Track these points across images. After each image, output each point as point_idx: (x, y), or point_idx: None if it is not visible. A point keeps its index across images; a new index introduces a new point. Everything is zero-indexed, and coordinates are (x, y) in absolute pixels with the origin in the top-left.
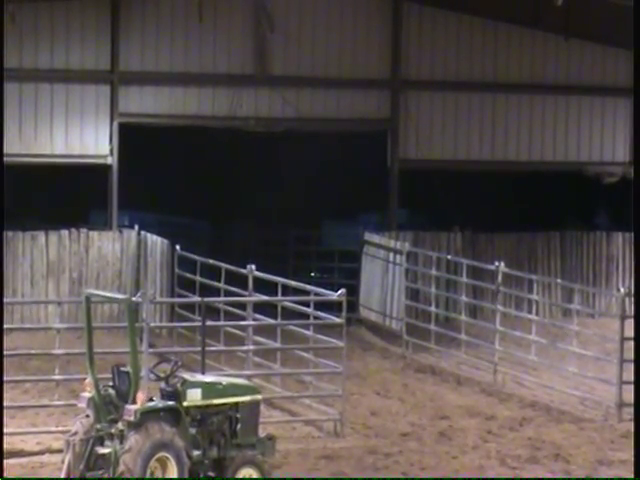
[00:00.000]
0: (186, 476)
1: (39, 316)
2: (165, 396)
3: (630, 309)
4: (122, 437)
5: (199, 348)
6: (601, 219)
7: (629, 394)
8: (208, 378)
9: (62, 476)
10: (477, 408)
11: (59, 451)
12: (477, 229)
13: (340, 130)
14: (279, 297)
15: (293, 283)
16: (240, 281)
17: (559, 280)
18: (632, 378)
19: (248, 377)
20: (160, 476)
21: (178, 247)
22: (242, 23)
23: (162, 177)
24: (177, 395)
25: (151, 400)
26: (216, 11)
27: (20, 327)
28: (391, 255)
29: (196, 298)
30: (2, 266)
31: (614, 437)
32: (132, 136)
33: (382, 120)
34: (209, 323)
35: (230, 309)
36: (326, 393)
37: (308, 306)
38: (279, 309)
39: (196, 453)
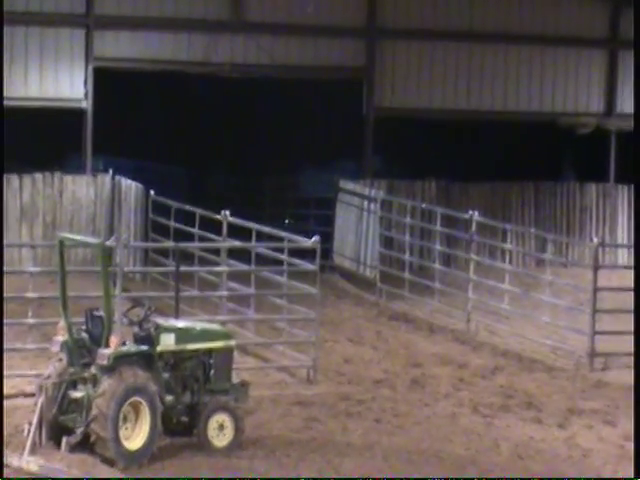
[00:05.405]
0: (159, 421)
1: (12, 259)
2: (138, 341)
3: (602, 259)
4: (95, 381)
5: (173, 293)
6: (569, 171)
7: (601, 344)
8: (182, 323)
9: (34, 419)
10: (450, 356)
11: (32, 395)
12: (451, 178)
13: (316, 78)
14: (253, 243)
15: (267, 229)
16: (215, 227)
17: (532, 230)
18: (604, 328)
19: (222, 323)
20: (133, 419)
21: (152, 192)
22: None
23: (138, 123)
24: (151, 340)
25: (124, 344)
26: None
27: None
28: (365, 203)
29: (170, 243)
30: (2, 210)
31: (585, 386)
32: (108, 81)
33: (358, 68)
34: (183, 268)
35: (204, 255)
36: (299, 340)
37: (282, 252)
38: (253, 255)
39: (169, 398)
